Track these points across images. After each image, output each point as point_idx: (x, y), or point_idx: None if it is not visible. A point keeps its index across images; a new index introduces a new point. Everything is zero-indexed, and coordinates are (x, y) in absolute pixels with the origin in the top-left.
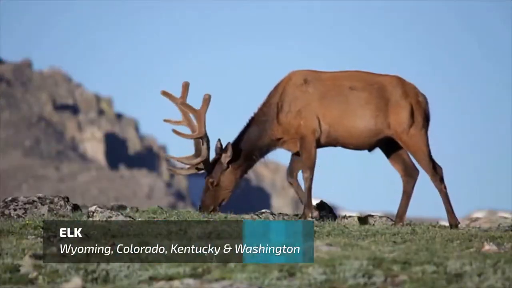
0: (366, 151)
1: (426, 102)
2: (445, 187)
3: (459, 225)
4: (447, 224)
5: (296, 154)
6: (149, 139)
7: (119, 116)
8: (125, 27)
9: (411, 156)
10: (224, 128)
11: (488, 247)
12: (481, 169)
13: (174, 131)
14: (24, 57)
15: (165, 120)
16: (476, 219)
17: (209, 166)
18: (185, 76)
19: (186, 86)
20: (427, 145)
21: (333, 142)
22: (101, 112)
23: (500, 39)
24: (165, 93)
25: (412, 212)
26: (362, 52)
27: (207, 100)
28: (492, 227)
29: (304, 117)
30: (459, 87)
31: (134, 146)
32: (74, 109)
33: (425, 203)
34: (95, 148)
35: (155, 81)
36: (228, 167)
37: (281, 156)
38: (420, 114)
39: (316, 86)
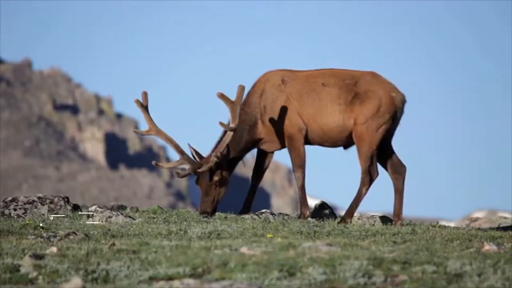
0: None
1: (402, 101)
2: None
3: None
4: (447, 224)
5: (262, 155)
6: (149, 139)
7: (119, 116)
8: (124, 27)
9: (397, 154)
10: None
11: (488, 247)
12: (481, 169)
13: (221, 124)
14: (24, 57)
15: (134, 131)
16: (476, 219)
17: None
18: (185, 76)
19: (145, 95)
20: (377, 142)
21: (310, 141)
22: (101, 112)
23: (500, 39)
24: (137, 102)
25: (412, 212)
26: (350, 52)
27: (242, 90)
28: (492, 227)
29: (288, 117)
30: (458, 87)
31: (134, 146)
32: (74, 109)
33: (425, 203)
34: (95, 148)
35: (155, 81)
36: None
37: (281, 156)
38: (388, 110)
39: (293, 85)
